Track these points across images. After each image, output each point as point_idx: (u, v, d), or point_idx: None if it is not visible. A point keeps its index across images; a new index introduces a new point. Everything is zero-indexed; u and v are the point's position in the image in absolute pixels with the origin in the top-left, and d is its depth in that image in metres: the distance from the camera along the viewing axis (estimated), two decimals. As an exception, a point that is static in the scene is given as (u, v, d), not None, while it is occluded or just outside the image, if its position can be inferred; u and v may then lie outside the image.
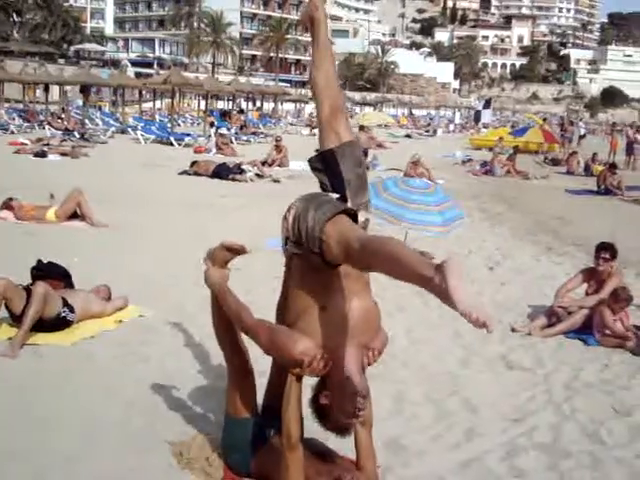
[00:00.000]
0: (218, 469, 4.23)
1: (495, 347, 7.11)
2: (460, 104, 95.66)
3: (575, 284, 8.15)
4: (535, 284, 9.95)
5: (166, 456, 4.39)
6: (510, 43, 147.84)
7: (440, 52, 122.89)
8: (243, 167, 19.75)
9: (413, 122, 63.02)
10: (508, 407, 5.64)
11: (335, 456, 4.03)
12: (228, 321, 4.26)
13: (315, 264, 3.49)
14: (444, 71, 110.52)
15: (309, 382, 3.75)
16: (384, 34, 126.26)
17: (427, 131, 53.30)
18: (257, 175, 19.90)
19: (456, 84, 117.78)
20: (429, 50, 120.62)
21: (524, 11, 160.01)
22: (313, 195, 3.65)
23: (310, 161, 3.85)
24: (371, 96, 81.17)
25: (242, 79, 48.52)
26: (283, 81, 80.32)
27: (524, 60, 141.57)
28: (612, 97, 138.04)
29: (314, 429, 3.84)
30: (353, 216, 3.52)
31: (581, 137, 39.72)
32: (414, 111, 79.53)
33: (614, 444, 5.08)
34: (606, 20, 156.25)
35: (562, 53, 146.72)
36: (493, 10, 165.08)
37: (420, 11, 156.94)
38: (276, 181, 19.57)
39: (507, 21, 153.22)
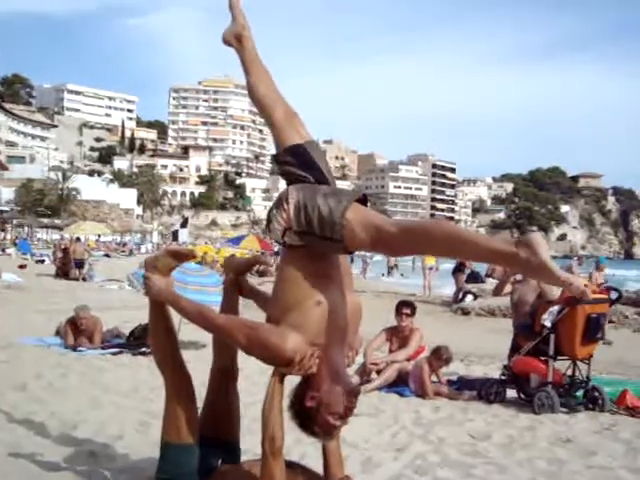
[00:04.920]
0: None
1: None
2: (145, 229, 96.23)
3: (380, 342, 8.48)
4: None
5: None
6: (188, 172, 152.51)
7: (121, 179, 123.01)
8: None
9: (106, 246, 62.41)
10: (381, 442, 5.68)
11: (299, 466, 3.74)
12: (170, 338, 3.86)
13: (318, 254, 3.33)
14: (126, 198, 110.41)
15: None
16: (62, 161, 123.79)
17: (123, 251, 53.25)
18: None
19: (139, 210, 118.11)
20: (111, 177, 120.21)
21: (200, 142, 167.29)
22: (307, 186, 3.43)
23: (278, 156, 3.62)
24: (58, 221, 78.63)
25: None
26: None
27: (202, 188, 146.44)
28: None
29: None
30: (364, 202, 3.36)
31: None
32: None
33: (496, 457, 5.30)
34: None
35: (238, 182, 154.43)
36: (170, 140, 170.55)
37: (98, 140, 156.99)
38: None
39: (185, 151, 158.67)
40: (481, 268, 23.03)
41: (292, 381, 3.46)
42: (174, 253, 3.95)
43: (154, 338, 3.94)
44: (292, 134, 3.60)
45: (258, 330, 3.39)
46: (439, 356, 8.00)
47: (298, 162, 3.53)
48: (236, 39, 3.82)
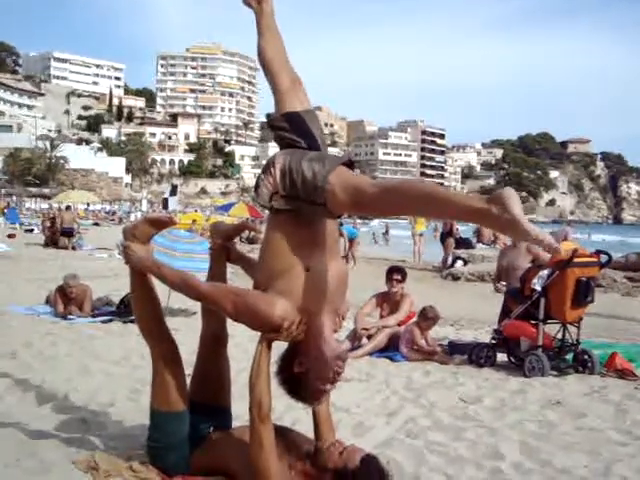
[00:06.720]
0: (151, 474, 3.69)
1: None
2: (134, 198, 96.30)
3: (370, 308, 8.47)
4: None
5: (75, 475, 3.73)
6: (177, 140, 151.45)
7: (110, 148, 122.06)
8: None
9: (95, 215, 62.34)
10: (373, 407, 5.69)
11: (290, 431, 3.74)
12: (153, 306, 3.84)
13: (304, 220, 3.32)
14: (115, 166, 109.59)
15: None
16: (50, 130, 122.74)
17: (112, 220, 53.33)
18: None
19: (128, 179, 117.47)
20: (99, 146, 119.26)
21: (188, 110, 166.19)
22: (295, 151, 3.44)
23: (273, 120, 3.61)
24: (46, 190, 78.28)
25: None
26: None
27: (191, 156, 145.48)
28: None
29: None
30: (350, 167, 3.35)
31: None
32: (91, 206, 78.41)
33: (487, 420, 5.33)
34: (265, 120, 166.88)
35: (227, 150, 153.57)
36: (159, 108, 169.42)
37: (86, 108, 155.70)
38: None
39: (173, 119, 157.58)
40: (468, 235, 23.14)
41: (280, 347, 3.45)
42: (153, 221, 3.92)
43: (137, 307, 3.92)
44: (293, 101, 3.62)
45: (245, 297, 3.37)
46: (425, 316, 8.01)
47: (293, 129, 3.54)
48: (257, 0, 3.74)
